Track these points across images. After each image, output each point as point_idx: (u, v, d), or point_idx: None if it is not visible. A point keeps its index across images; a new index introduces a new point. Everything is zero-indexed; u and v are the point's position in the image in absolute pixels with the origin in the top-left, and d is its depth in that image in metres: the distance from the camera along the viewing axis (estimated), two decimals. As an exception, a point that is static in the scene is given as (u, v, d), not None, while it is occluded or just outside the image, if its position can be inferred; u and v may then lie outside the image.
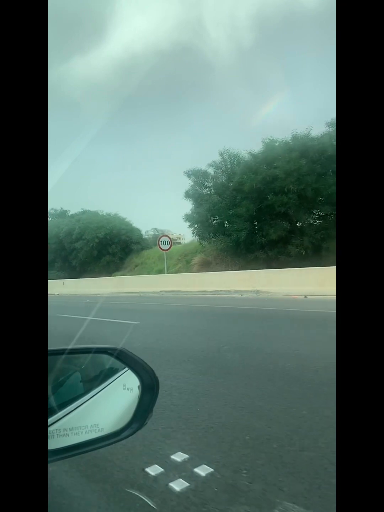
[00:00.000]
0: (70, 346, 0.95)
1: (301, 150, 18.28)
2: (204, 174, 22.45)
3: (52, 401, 0.89)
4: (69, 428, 0.88)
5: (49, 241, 30.53)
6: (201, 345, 5.81)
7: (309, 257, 17.78)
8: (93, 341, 5.52)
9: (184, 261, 24.95)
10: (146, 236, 34.64)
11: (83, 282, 26.06)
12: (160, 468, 2.23)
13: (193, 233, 22.85)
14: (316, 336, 6.05)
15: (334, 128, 17.84)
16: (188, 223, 22.40)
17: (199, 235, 22.50)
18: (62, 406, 0.90)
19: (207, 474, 2.14)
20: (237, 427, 2.79)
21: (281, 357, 4.72)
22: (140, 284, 21.01)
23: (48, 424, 0.84)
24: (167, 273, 22.09)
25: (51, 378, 0.90)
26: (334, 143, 16.90)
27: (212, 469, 2.19)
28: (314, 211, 19.59)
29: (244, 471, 2.17)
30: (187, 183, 22.41)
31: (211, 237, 21.76)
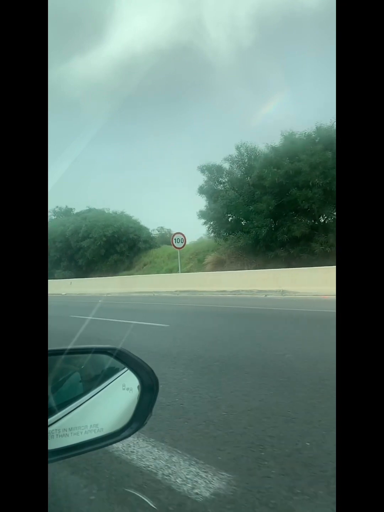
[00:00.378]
0: (69, 346, 0.95)
1: (325, 143, 17.56)
2: (219, 169, 21.56)
3: (51, 401, 0.89)
4: (69, 428, 0.88)
5: (54, 239, 30.14)
6: (256, 352, 5.09)
7: (335, 255, 17.19)
8: (138, 348, 5.34)
9: (195, 260, 24.08)
10: (153, 235, 33.68)
11: (90, 281, 25.31)
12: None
13: (208, 230, 22.26)
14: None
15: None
16: (202, 220, 21.67)
17: (215, 233, 21.67)
18: (62, 406, 0.90)
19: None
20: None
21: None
22: (153, 284, 20.28)
23: (48, 424, 0.84)
24: (179, 273, 21.29)
25: (50, 378, 0.90)
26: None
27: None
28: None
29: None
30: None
31: (228, 234, 20.61)
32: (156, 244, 31.11)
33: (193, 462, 2.28)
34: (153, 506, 1.86)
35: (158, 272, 24.48)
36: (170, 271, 23.48)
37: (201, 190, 21.82)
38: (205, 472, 2.16)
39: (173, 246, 21.57)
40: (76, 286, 25.05)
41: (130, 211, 34.52)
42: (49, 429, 0.85)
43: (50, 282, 26.59)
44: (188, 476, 2.12)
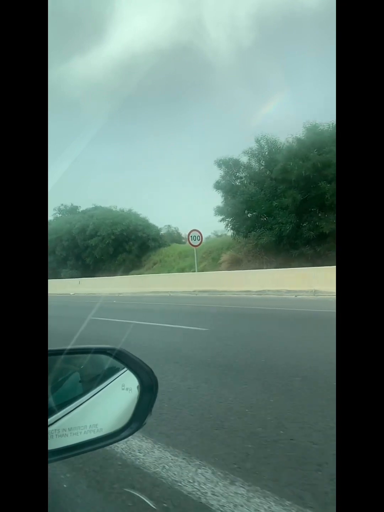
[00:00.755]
0: (68, 346, 0.95)
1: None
2: (236, 163, 20.38)
3: (51, 401, 0.89)
4: (68, 429, 0.88)
5: (61, 237, 29.57)
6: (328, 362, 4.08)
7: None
8: (198, 360, 4.68)
9: (209, 259, 22.84)
10: (161, 233, 32.62)
11: (99, 281, 24.33)
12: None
13: (226, 227, 21.02)
14: None
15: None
16: (218, 218, 20.45)
17: (234, 230, 20.38)
18: (61, 406, 0.90)
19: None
20: None
21: None
22: (167, 283, 19.23)
23: (48, 424, 0.84)
24: (194, 272, 20.12)
25: (50, 378, 0.90)
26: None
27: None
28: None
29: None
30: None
31: (248, 231, 19.17)
32: (165, 243, 30.27)
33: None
34: (153, 506, 1.86)
35: (169, 271, 23.50)
36: (182, 270, 22.61)
37: (218, 186, 20.69)
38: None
39: (189, 244, 20.46)
40: (85, 286, 24.09)
41: (137, 209, 33.83)
42: (49, 429, 0.84)
43: (57, 281, 26.22)
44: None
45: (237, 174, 20.63)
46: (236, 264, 20.40)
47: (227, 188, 20.33)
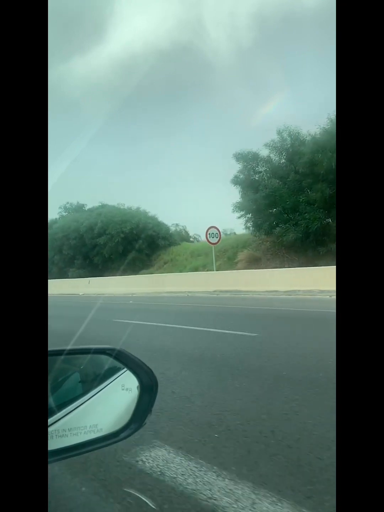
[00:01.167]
0: (68, 347, 0.95)
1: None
2: (254, 156, 18.99)
3: (51, 401, 0.89)
4: (68, 429, 0.88)
5: (68, 236, 28.75)
6: None
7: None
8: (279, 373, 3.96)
9: (224, 258, 21.48)
10: (171, 232, 31.19)
11: (110, 280, 23.33)
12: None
13: (245, 224, 19.67)
14: None
15: None
16: (237, 214, 19.13)
17: (254, 226, 18.91)
18: (61, 406, 0.90)
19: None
20: None
21: None
22: (183, 283, 18.11)
23: (48, 424, 0.84)
24: (211, 271, 18.92)
25: (50, 379, 0.90)
26: None
27: None
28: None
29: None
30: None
31: (270, 228, 17.81)
32: (175, 241, 29.06)
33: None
34: (153, 506, 1.86)
35: (181, 271, 22.26)
36: (196, 269, 21.33)
37: (236, 181, 19.24)
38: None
39: (207, 241, 19.17)
40: (95, 286, 23.01)
41: (144, 208, 32.06)
42: (49, 429, 0.85)
43: (65, 281, 25.93)
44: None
45: (256, 168, 19.27)
46: (254, 263, 19.25)
47: (247, 183, 19.00)
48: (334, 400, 0.88)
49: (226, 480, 2.07)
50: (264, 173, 19.05)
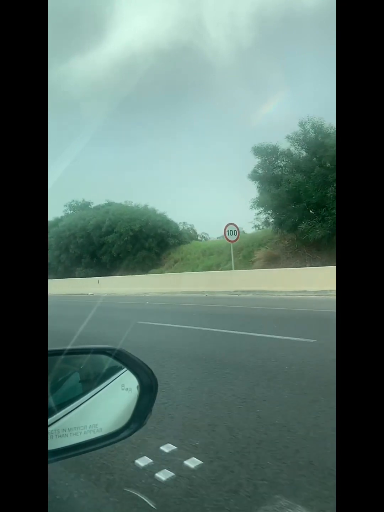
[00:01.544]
0: (68, 346, 0.95)
1: None
2: (274, 150, 17.68)
3: (51, 401, 0.89)
4: (68, 429, 0.88)
5: (75, 234, 27.80)
6: None
7: None
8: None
9: (240, 257, 20.08)
10: (181, 230, 29.92)
11: (120, 280, 22.47)
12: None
13: (265, 221, 18.89)
14: None
15: None
16: (256, 210, 18.05)
17: (276, 223, 17.74)
18: (61, 406, 0.90)
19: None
20: None
21: None
22: (199, 282, 17.29)
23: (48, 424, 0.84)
24: (233, 270, 17.69)
25: (50, 379, 0.90)
26: None
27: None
28: None
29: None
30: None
31: (294, 225, 16.65)
32: (185, 240, 27.91)
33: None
34: (153, 506, 1.86)
35: (193, 270, 21.35)
36: (208, 268, 20.35)
37: (254, 176, 17.90)
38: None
39: (225, 239, 18.10)
40: (105, 285, 22.17)
41: (151, 206, 30.75)
42: (49, 429, 0.84)
43: (73, 281, 25.50)
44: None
45: (276, 162, 17.92)
46: (272, 261, 18.05)
47: (266, 178, 17.61)
48: None
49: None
50: (284, 168, 17.77)
